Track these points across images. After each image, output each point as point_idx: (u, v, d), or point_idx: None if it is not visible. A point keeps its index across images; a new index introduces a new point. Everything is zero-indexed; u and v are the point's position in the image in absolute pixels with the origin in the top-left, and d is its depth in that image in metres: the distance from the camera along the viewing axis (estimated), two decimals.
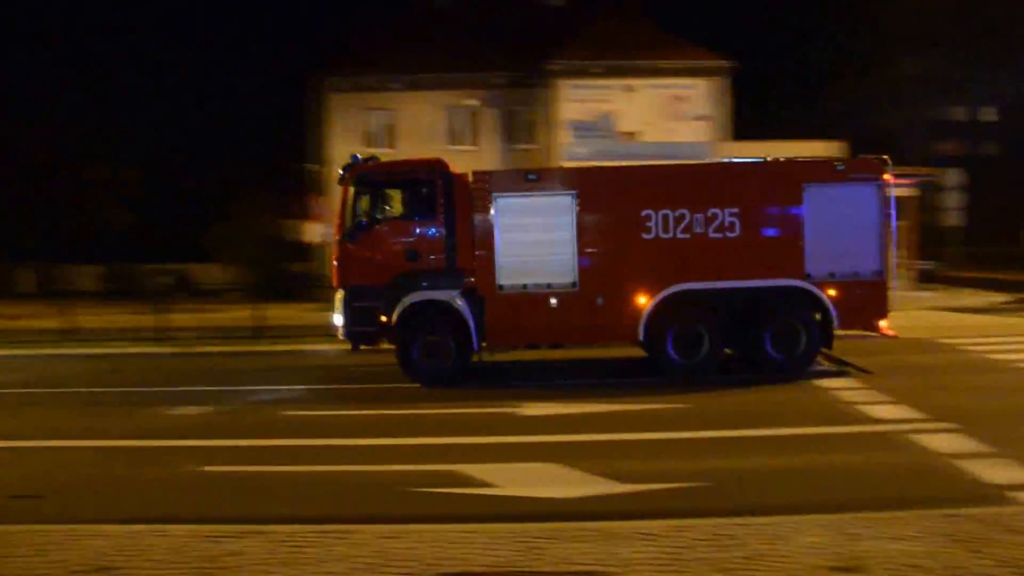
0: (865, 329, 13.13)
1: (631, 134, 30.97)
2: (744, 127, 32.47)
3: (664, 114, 31.24)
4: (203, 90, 45.62)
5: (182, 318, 20.30)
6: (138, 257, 36.23)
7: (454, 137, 33.73)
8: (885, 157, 13.05)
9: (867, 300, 12.84)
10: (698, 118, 31.36)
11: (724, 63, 31.98)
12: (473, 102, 32.81)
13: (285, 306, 23.49)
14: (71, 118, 37.34)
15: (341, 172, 13.25)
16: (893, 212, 12.96)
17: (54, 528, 6.38)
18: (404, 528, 6.13)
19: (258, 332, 20.05)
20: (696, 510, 6.51)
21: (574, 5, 35.72)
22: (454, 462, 8.35)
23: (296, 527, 6.25)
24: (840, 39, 52.41)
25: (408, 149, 32.29)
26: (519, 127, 34.14)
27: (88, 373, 16.08)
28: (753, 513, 6.30)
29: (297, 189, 33.30)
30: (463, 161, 27.80)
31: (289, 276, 32.58)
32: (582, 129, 31.10)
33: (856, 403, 10.70)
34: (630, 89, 31.19)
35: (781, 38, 42.61)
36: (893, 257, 13.21)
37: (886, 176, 12.91)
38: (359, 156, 13.49)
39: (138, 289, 32.73)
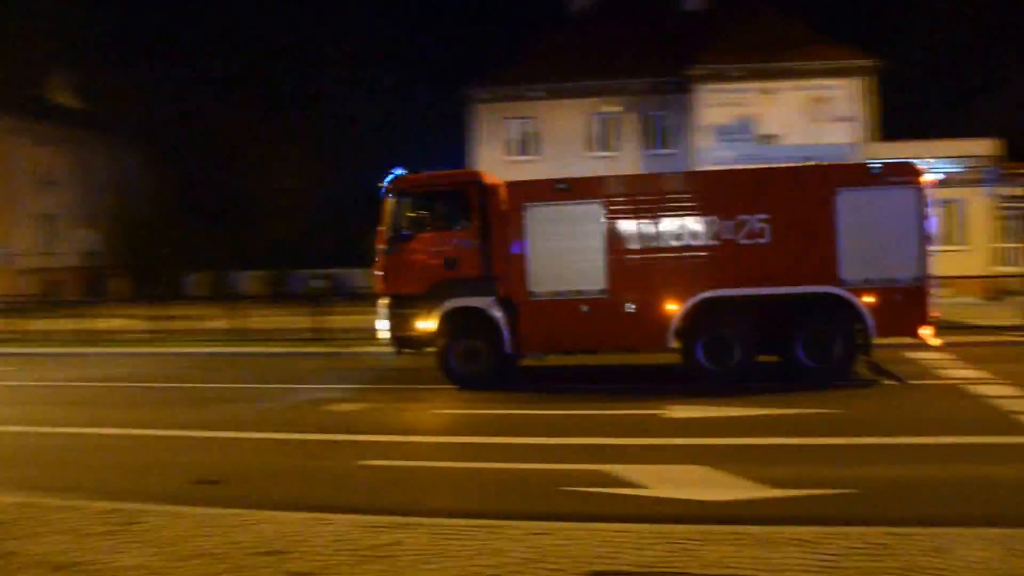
0: (906, 336, 12.72)
1: (773, 137, 30.19)
2: (893, 126, 31.01)
3: (806, 116, 30.31)
4: (356, 100, 47.45)
5: (338, 320, 21.24)
6: (297, 263, 38.21)
7: (595, 144, 33.90)
8: (911, 161, 12.79)
9: (906, 307, 12.35)
10: (841, 119, 30.26)
11: (868, 62, 30.57)
12: (614, 108, 32.81)
13: None
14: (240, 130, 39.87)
15: (382, 186, 13.71)
16: (932, 216, 12.51)
17: (232, 512, 6.92)
18: (556, 525, 6.26)
19: None
20: (848, 517, 6.37)
21: (713, 9, 35.15)
22: (604, 462, 8.45)
23: (451, 520, 6.48)
24: (993, 29, 48.83)
25: (551, 156, 32.75)
26: (659, 132, 33.90)
27: (259, 370, 17.22)
28: (909, 523, 6.10)
29: None
30: (604, 167, 28.03)
31: None
32: (723, 133, 30.58)
33: (1016, 412, 10.14)
34: (771, 92, 30.43)
35: (930, 31, 40.11)
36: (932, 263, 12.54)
37: (924, 179, 12.44)
38: (401, 170, 13.87)
39: (296, 292, 34.58)
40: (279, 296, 33.34)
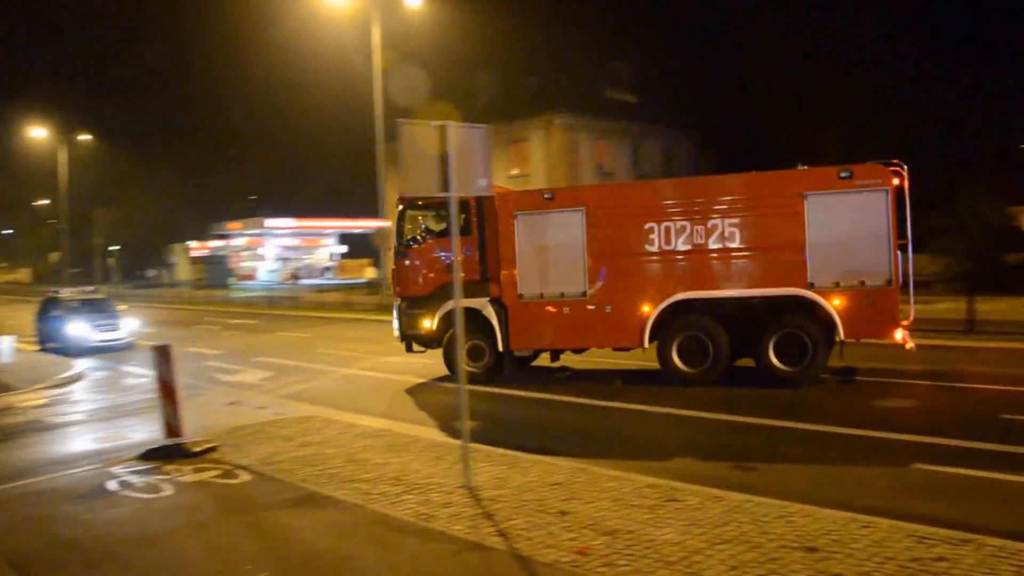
0: (878, 339, 12.80)
1: None
2: None
3: None
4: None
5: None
6: None
7: None
8: (896, 161, 12.42)
9: (876, 309, 12.37)
10: None
11: None
12: None
13: (997, 299, 21.25)
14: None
15: (400, 197, 14.54)
16: (908, 219, 12.40)
17: (768, 502, 6.87)
18: None
19: (969, 326, 18.60)
20: None
21: None
22: None
23: (1008, 542, 5.70)
24: None
25: None
26: None
27: None
28: None
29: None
30: None
31: (1003, 267, 29.34)
32: None
33: None
34: None
35: None
36: (909, 264, 12.48)
37: (896, 182, 12.28)
38: None
39: None
40: None
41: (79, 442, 11.25)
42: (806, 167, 13.37)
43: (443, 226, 14.83)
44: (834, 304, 12.51)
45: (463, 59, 49.13)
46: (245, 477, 8.45)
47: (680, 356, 13.41)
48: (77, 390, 16.18)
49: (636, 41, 45.63)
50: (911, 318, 12.66)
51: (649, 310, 13.37)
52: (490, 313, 14.36)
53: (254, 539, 6.61)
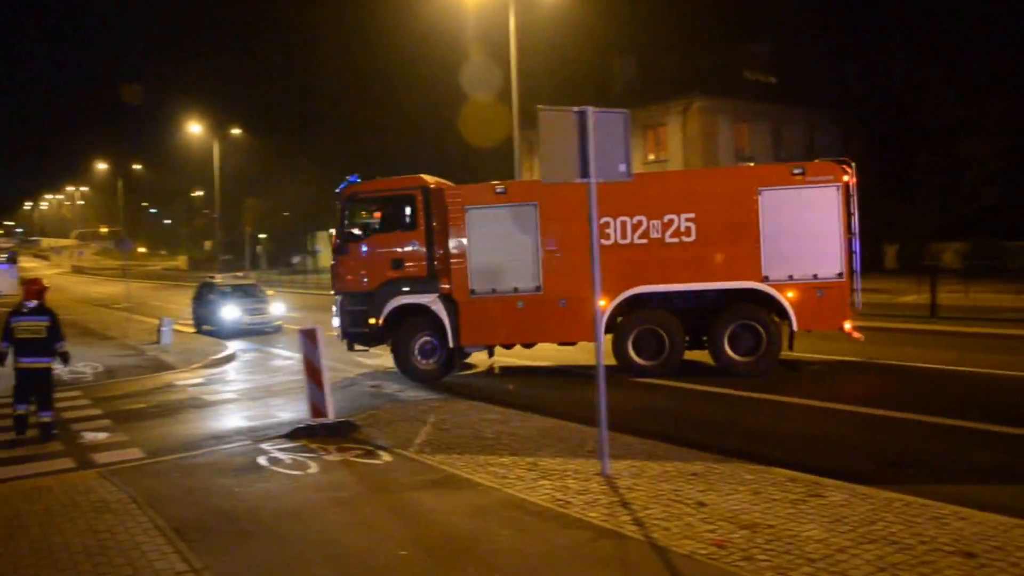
0: (828, 330, 13.23)
1: None
2: None
3: None
4: None
5: None
6: (1006, 233, 34.23)
7: None
8: (845, 159, 13.03)
9: (828, 302, 12.85)
10: None
11: None
12: None
13: None
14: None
15: (337, 191, 14.59)
16: (856, 214, 12.84)
17: (920, 502, 6.54)
18: None
19: None
20: None
21: None
22: None
23: None
24: None
25: None
26: None
27: (957, 348, 15.95)
28: None
29: None
30: None
31: None
32: None
33: None
34: None
35: None
36: (856, 259, 12.97)
37: (847, 178, 12.78)
38: (355, 178, 14.66)
39: (1003, 267, 31.08)
40: (978, 270, 30.24)
41: (232, 419, 11.91)
42: (752, 164, 13.97)
43: (387, 221, 14.59)
44: (788, 296, 12.91)
45: (598, 44, 48.71)
46: (386, 458, 8.73)
47: (635, 349, 13.55)
48: (230, 370, 17.12)
49: (774, 20, 43.97)
50: (858, 308, 13.33)
51: (605, 304, 13.09)
52: (440, 310, 14.05)
53: (395, 518, 6.82)
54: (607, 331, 13.18)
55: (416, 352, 14.33)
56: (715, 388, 12.46)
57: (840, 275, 12.85)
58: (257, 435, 10.31)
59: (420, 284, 14.11)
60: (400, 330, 14.33)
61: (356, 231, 14.55)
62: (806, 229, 12.88)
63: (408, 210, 14.31)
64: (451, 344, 14.07)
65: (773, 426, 10.25)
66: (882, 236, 36.74)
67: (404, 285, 14.21)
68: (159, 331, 20.65)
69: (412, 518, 6.81)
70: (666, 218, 13.26)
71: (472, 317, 13.91)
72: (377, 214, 14.80)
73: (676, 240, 13.23)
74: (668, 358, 13.42)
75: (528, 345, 14.82)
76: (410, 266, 14.19)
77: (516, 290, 13.75)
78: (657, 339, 13.47)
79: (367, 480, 7.99)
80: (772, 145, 43.88)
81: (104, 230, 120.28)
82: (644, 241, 13.34)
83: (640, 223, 13.35)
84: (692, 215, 13.19)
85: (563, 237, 13.54)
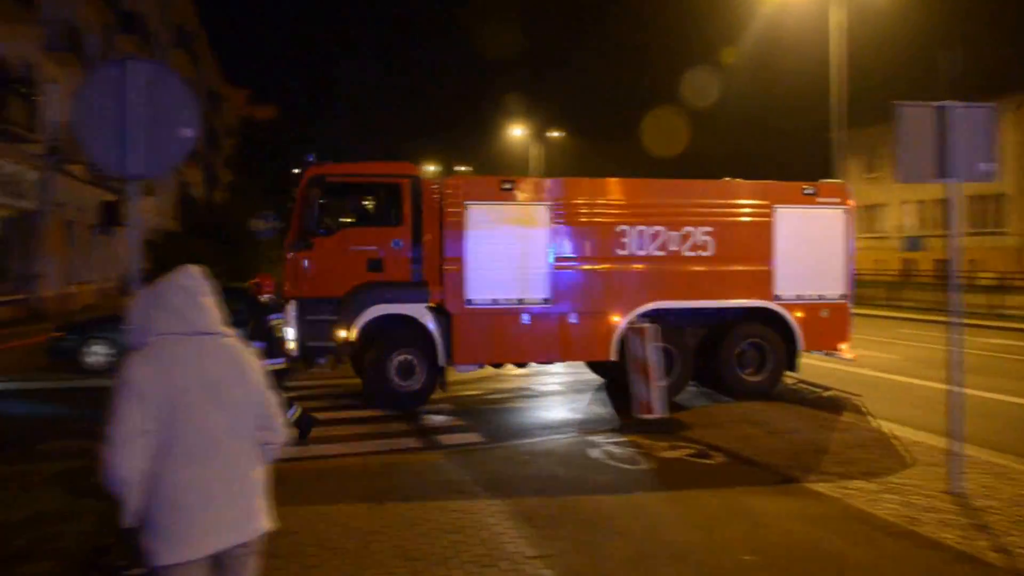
0: (827, 351, 13.05)
1: None
2: None
3: None
4: None
5: None
6: None
7: None
8: (841, 182, 13.57)
9: (831, 323, 12.80)
10: None
11: None
12: None
13: None
14: None
15: (295, 172, 11.08)
16: (852, 237, 12.92)
17: None
18: None
19: None
20: None
21: None
22: None
23: None
24: None
25: None
26: None
27: None
28: None
29: None
30: None
31: None
32: None
33: None
34: None
35: None
36: (850, 281, 12.98)
37: (850, 201, 12.82)
38: (312, 158, 12.60)
39: None
40: None
41: (558, 411, 12.49)
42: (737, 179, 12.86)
43: (363, 213, 12.75)
44: (796, 316, 12.70)
45: (922, 37, 44.79)
46: (719, 458, 8.78)
47: None
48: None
49: None
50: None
51: (619, 320, 12.28)
52: (430, 322, 12.14)
53: (733, 520, 6.84)
54: (620, 348, 12.27)
55: (394, 372, 12.22)
56: None
57: (843, 296, 12.94)
58: (584, 427, 10.75)
59: (404, 291, 12.12)
60: (376, 345, 12.20)
61: (322, 224, 12.14)
62: (814, 249, 12.83)
63: (391, 201, 12.25)
64: (441, 362, 12.23)
65: None
66: None
67: (383, 291, 12.09)
68: None
69: (750, 522, 6.77)
70: (684, 230, 12.60)
71: (468, 331, 12.16)
72: (350, 204, 12.89)
73: (694, 254, 12.62)
74: (678, 378, 12.55)
75: (521, 365, 13.37)
76: (392, 269, 12.13)
77: (521, 302, 12.29)
78: (668, 356, 12.13)
79: (701, 479, 8.07)
80: None
81: None
82: (662, 253, 12.55)
83: (658, 234, 12.55)
84: (710, 228, 12.65)
85: (579, 244, 12.41)
